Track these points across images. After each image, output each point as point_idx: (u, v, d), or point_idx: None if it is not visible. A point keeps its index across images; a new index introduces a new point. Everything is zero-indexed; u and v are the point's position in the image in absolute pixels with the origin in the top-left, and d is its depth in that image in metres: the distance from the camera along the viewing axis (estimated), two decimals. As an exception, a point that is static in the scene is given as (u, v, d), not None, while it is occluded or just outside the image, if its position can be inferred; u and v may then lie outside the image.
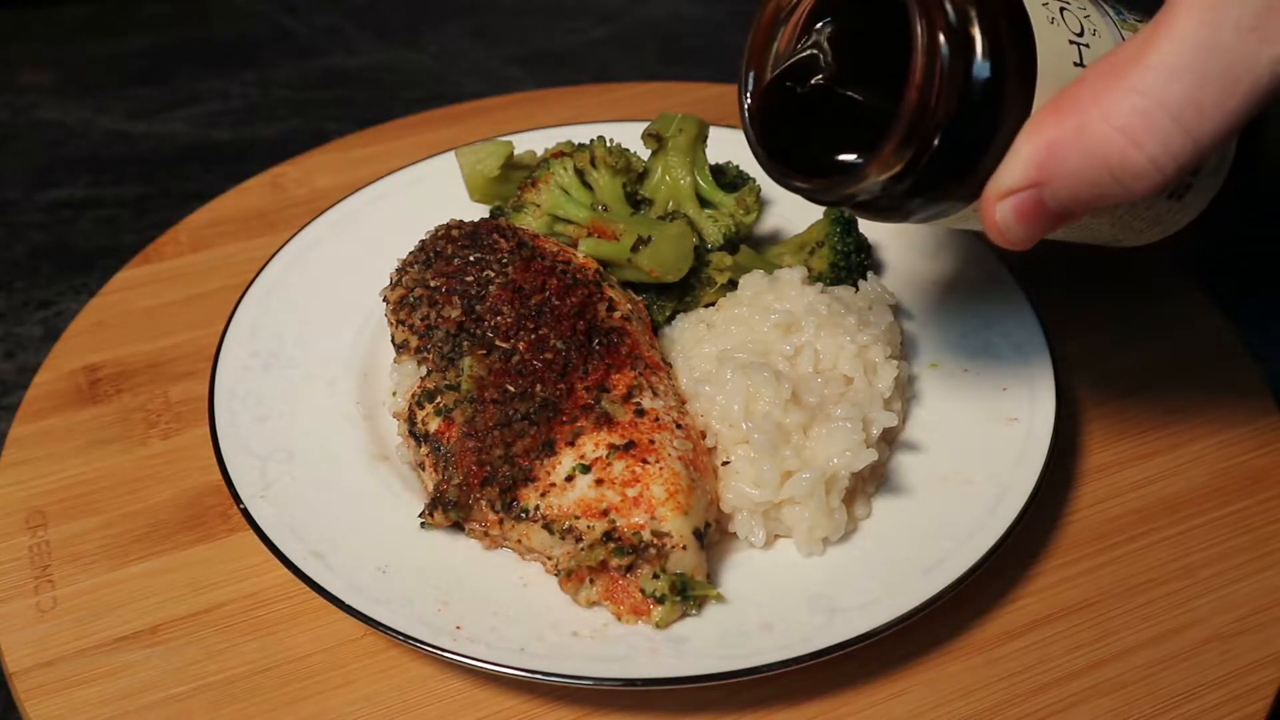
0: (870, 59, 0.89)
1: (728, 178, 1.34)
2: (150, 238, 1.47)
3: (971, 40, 0.81)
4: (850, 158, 0.91)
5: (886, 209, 0.92)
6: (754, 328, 1.13)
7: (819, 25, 0.94)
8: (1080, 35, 0.87)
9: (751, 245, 1.30)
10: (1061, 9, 0.87)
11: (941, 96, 0.81)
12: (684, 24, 2.18)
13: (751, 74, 0.97)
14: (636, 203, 1.28)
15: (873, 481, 1.07)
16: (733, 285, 1.22)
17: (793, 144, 0.95)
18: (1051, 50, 0.84)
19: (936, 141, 0.83)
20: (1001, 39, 0.82)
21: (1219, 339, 1.30)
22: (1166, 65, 0.73)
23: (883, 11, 0.83)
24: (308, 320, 1.24)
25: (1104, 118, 0.75)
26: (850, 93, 0.93)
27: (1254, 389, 1.24)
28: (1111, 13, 0.93)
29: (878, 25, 0.84)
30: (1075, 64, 0.85)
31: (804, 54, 0.94)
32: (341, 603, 0.94)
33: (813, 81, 0.94)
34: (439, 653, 0.91)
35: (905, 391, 1.15)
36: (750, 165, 1.36)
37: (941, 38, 0.81)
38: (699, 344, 1.15)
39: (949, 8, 0.81)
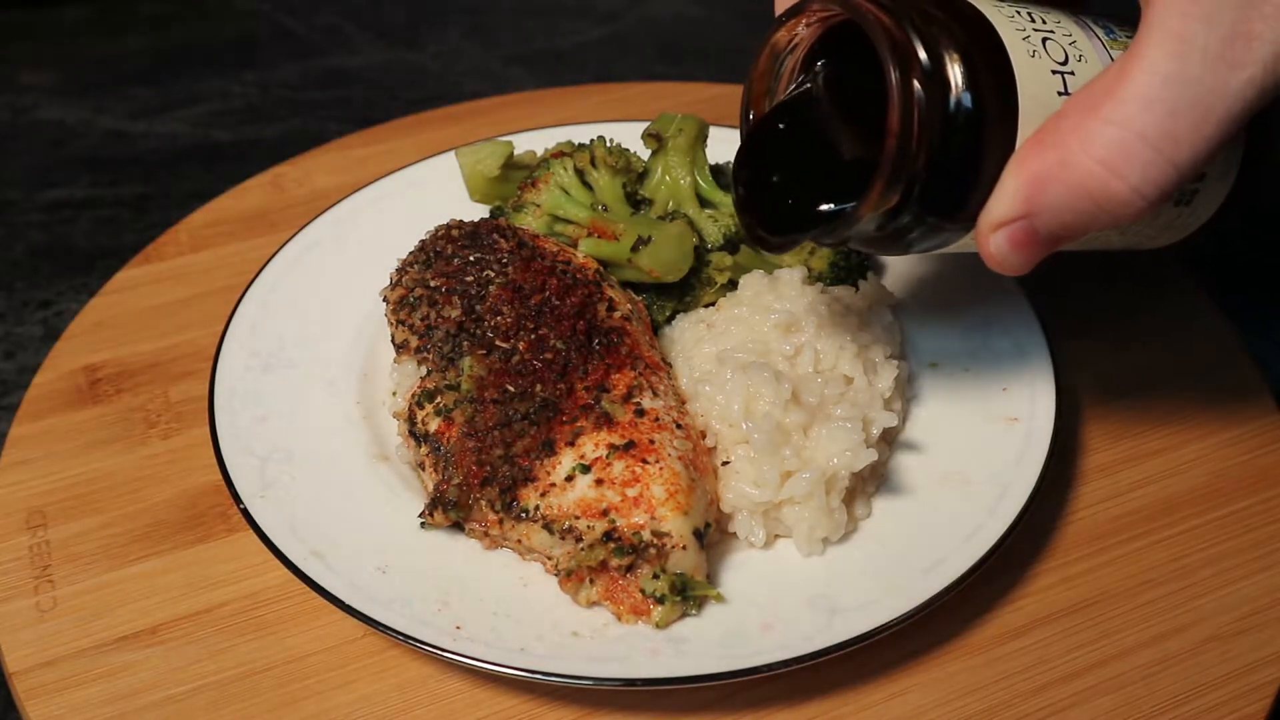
0: (863, 98, 0.89)
1: (728, 178, 1.34)
2: (150, 238, 1.47)
3: (947, 85, 0.82)
4: (832, 206, 0.92)
5: (886, 244, 0.92)
6: (754, 328, 1.13)
7: (817, 65, 0.94)
8: (1065, 63, 0.87)
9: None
10: (1045, 39, 0.87)
11: (921, 142, 0.81)
12: (684, 24, 2.18)
13: (752, 117, 0.97)
14: (636, 203, 1.28)
15: (873, 481, 1.07)
16: (733, 285, 1.22)
17: (790, 184, 0.95)
18: (1032, 84, 0.85)
19: (921, 184, 0.83)
20: (979, 81, 0.82)
21: (1219, 339, 1.30)
22: (1140, 97, 0.75)
23: (872, 54, 0.83)
24: (308, 320, 1.24)
25: (1084, 150, 0.77)
26: (845, 132, 0.94)
27: (1254, 389, 1.24)
28: (1100, 33, 0.92)
29: (869, 66, 0.84)
30: (1060, 93, 0.86)
31: (797, 92, 0.94)
32: (341, 603, 0.94)
33: (803, 123, 0.94)
34: (439, 653, 0.91)
35: (905, 391, 1.15)
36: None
37: (916, 85, 0.81)
38: (699, 344, 1.15)
39: (922, 55, 0.81)
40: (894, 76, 0.81)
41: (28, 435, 1.20)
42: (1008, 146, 0.84)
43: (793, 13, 0.90)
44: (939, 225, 0.89)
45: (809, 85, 0.94)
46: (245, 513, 1.02)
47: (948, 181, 0.85)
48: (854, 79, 0.89)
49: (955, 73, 0.82)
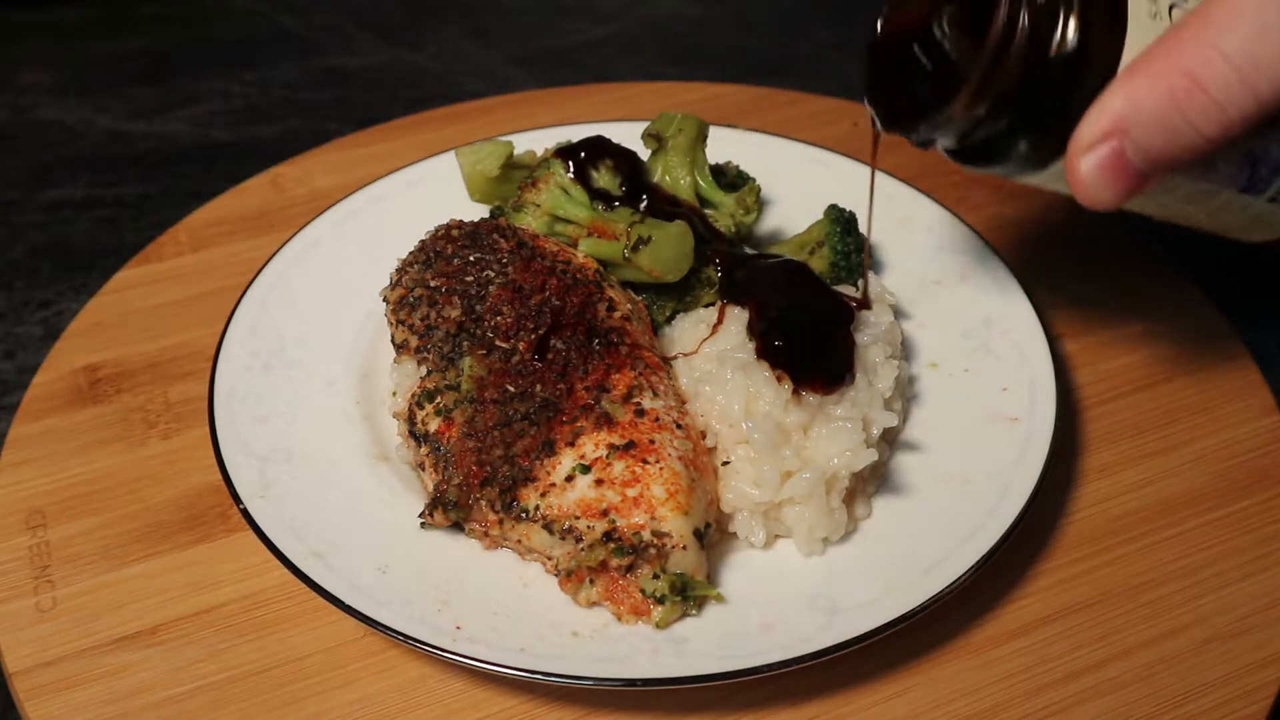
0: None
1: (728, 178, 1.34)
2: (150, 238, 1.47)
3: (1056, 14, 0.88)
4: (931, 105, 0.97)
5: (976, 155, 0.97)
6: (754, 328, 1.13)
7: None
8: None
9: (751, 245, 1.30)
10: None
11: (1016, 52, 0.88)
12: (684, 24, 2.18)
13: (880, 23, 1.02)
14: (637, 203, 1.27)
15: (873, 481, 1.07)
16: (733, 285, 1.22)
17: (908, 82, 1.01)
18: (1142, 23, 0.89)
19: (1013, 93, 0.89)
20: (1089, 13, 0.88)
21: (1219, 339, 1.30)
22: (1226, 21, 0.81)
23: None
24: (308, 320, 1.24)
25: (1173, 66, 0.83)
26: (964, 44, 0.98)
27: (1254, 389, 1.24)
28: None
29: None
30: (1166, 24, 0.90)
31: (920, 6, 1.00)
32: (341, 603, 0.94)
33: (928, 32, 0.99)
34: (439, 653, 0.91)
35: (905, 391, 1.15)
36: (750, 165, 1.37)
37: (1024, 16, 0.87)
38: (699, 344, 1.15)
39: None
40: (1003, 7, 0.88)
41: (28, 435, 1.20)
42: (1109, 70, 0.88)
43: None
44: (1030, 142, 0.93)
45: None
46: (245, 513, 1.02)
47: (1040, 95, 0.90)
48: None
49: (1064, 17, 0.88)
